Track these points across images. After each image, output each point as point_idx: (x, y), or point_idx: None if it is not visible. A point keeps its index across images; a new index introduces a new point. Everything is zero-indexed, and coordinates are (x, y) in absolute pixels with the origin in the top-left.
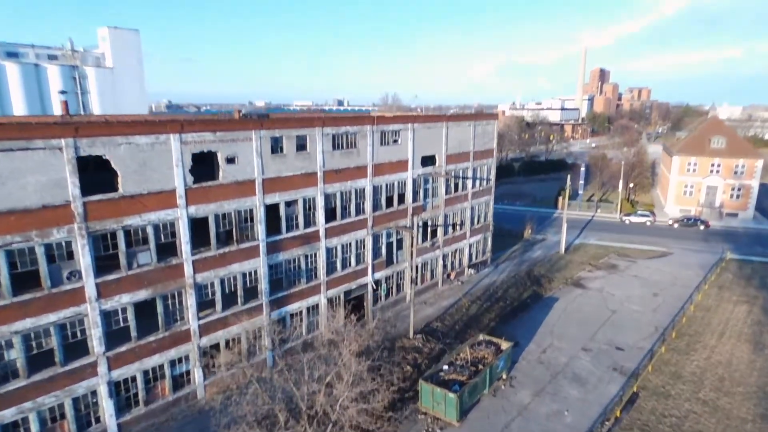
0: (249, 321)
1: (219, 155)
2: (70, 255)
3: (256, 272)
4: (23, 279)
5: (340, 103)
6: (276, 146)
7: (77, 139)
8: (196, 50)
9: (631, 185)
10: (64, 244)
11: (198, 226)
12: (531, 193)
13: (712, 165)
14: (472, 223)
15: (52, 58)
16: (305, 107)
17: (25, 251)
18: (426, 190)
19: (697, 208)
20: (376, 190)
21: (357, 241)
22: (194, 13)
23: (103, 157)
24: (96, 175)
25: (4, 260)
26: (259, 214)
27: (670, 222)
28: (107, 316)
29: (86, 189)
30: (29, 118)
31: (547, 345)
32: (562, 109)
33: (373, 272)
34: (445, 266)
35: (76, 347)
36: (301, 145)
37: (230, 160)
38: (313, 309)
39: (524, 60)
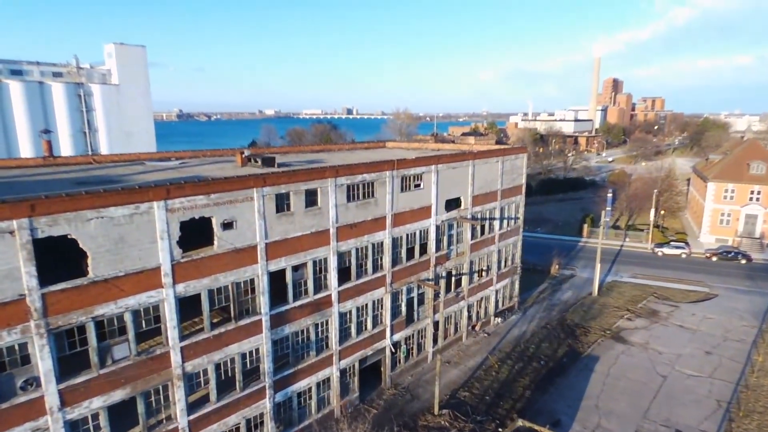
0: (249, 407)
1: (214, 221)
2: (25, 359)
3: (257, 351)
4: None
5: (350, 111)
6: (282, 204)
7: (33, 218)
8: (208, 59)
9: (662, 212)
10: (17, 347)
11: (187, 305)
12: (551, 218)
13: (752, 192)
14: (499, 267)
15: (57, 75)
16: (314, 116)
17: None
18: (450, 237)
19: (734, 238)
20: (395, 243)
21: (374, 302)
22: (206, 23)
23: (68, 237)
24: (57, 255)
25: None
26: (262, 284)
27: (707, 254)
28: (74, 427)
29: (45, 276)
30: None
31: (594, 426)
32: (576, 120)
33: (391, 334)
34: (469, 317)
35: None
36: (311, 201)
37: (227, 225)
38: (324, 383)
39: (531, 67)
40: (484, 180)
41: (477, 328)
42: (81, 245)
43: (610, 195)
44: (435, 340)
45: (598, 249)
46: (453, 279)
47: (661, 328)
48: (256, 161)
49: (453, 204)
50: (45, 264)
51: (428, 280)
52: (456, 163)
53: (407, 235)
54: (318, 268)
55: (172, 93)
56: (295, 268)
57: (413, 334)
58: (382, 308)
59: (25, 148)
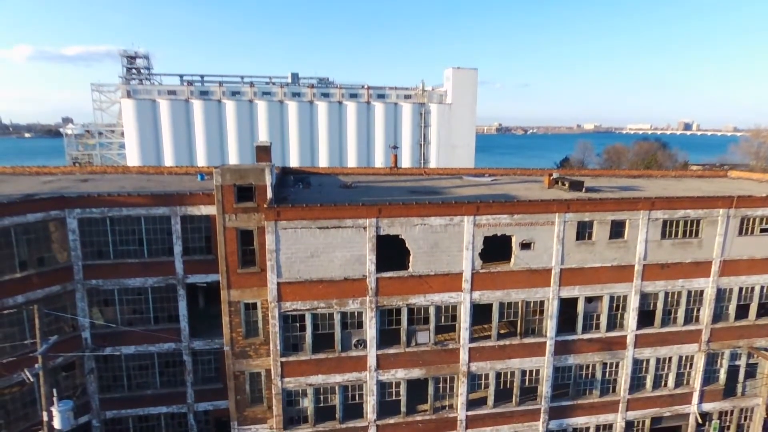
0: (522, 424)
1: (514, 239)
2: (360, 325)
3: (538, 372)
4: (321, 341)
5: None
6: (583, 232)
7: (379, 219)
8: (534, 75)
9: None
10: (356, 314)
11: (479, 312)
12: None
13: None
14: None
15: (407, 97)
16: (640, 131)
17: (326, 316)
18: None
19: None
20: (721, 295)
21: (681, 357)
22: (534, 39)
23: (399, 237)
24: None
25: (310, 322)
26: (551, 308)
27: None
28: (382, 387)
29: (379, 265)
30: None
31: None
32: None
33: (700, 401)
34: None
35: (354, 409)
36: (616, 232)
37: (525, 246)
38: (605, 429)
39: None
40: None
41: None
42: (407, 245)
43: None
44: (766, 428)
45: None
46: None
47: None
48: (563, 184)
49: None
50: (379, 256)
51: (766, 349)
52: None
53: (741, 288)
54: (615, 305)
55: (494, 107)
56: (589, 300)
57: (732, 411)
58: (690, 368)
59: (379, 158)
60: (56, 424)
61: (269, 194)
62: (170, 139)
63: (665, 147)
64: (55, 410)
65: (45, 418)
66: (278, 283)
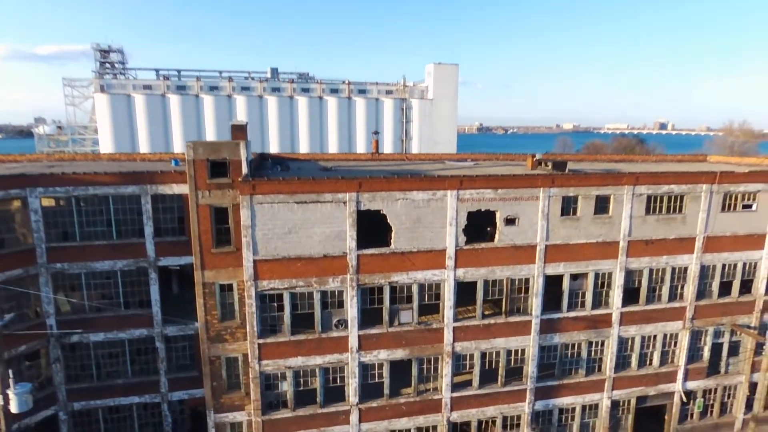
0: (508, 405)
1: (498, 215)
2: (341, 304)
3: (523, 351)
4: (300, 321)
5: (663, 126)
6: (568, 207)
7: (360, 193)
8: (514, 76)
9: None
10: (336, 293)
11: (462, 291)
12: None
13: None
14: None
15: (388, 92)
16: (618, 131)
17: (305, 295)
18: None
19: None
20: (704, 271)
21: (666, 335)
22: (514, 40)
23: (381, 212)
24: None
25: (288, 301)
26: (536, 286)
27: None
28: (365, 369)
29: (360, 242)
30: (336, 155)
31: None
32: None
33: (684, 379)
34: None
35: (335, 392)
36: (601, 207)
37: (510, 221)
38: (591, 409)
39: None
40: None
41: None
42: (389, 220)
43: None
44: (750, 405)
45: None
46: None
47: None
48: (547, 165)
49: None
50: (360, 233)
51: (748, 326)
52: None
53: (724, 265)
54: (600, 282)
55: (475, 108)
56: (574, 277)
57: (716, 388)
58: (675, 345)
59: (361, 146)
60: (12, 408)
61: (244, 169)
62: (146, 135)
63: (643, 142)
64: (11, 393)
65: (0, 401)
66: (254, 261)
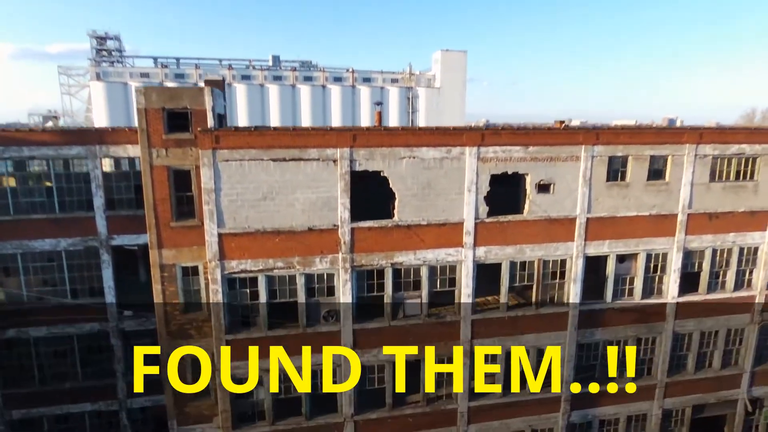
0: (538, 416)
1: (528, 179)
2: (331, 291)
3: (557, 351)
4: (280, 313)
5: (672, 122)
6: (615, 171)
7: (354, 149)
8: (521, 74)
9: None
10: (326, 276)
11: (481, 278)
12: None
13: None
14: None
15: (394, 81)
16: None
17: (286, 280)
18: None
19: None
20: None
21: (729, 331)
22: (522, 38)
23: (381, 174)
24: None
25: (265, 287)
26: (575, 269)
27: None
28: (362, 372)
29: (355, 212)
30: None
31: None
32: None
33: (750, 385)
34: None
35: (325, 402)
36: (656, 171)
37: (543, 188)
38: (638, 420)
39: None
40: None
41: None
42: (391, 185)
43: None
44: None
45: None
46: None
47: None
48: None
49: None
50: (355, 201)
51: None
52: None
53: None
54: (652, 265)
55: (482, 105)
56: (621, 259)
57: None
58: (740, 344)
59: None
60: None
61: (211, 122)
62: None
63: None
64: None
65: None
66: (219, 235)
